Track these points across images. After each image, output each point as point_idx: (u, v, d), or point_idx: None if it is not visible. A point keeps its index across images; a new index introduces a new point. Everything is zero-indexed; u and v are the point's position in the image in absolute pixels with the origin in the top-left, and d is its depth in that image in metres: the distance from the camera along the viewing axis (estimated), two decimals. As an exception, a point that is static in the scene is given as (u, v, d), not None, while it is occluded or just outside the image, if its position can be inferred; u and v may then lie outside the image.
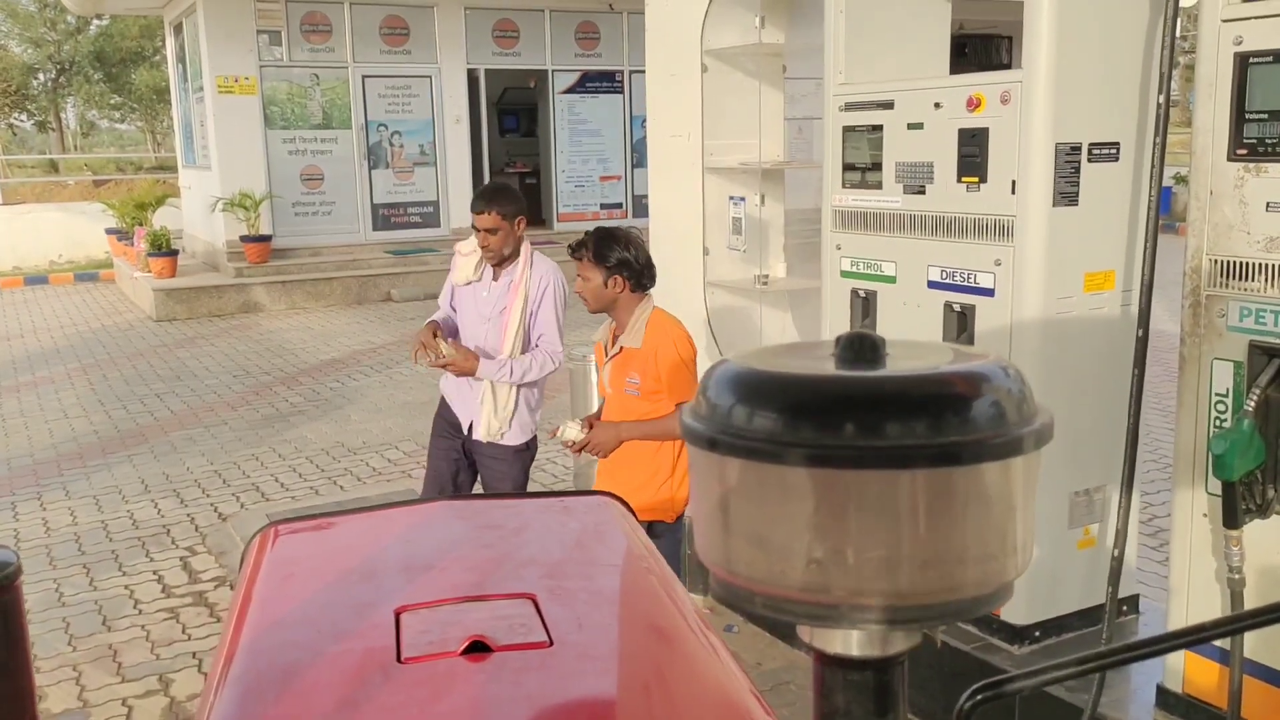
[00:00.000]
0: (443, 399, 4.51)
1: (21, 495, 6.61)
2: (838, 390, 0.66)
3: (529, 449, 4.41)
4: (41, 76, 34.92)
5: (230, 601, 1.55)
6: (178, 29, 16.35)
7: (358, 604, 1.44)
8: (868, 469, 0.64)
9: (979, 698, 0.72)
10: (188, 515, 6.17)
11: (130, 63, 34.16)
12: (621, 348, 3.70)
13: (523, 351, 4.26)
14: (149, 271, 13.85)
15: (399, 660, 1.26)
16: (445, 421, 4.47)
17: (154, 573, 5.35)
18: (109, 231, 16.90)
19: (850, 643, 0.69)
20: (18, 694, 0.91)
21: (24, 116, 36.63)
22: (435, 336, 4.16)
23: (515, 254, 4.26)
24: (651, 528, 3.59)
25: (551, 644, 1.30)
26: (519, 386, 4.27)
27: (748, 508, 0.67)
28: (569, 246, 3.84)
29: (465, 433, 4.36)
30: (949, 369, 0.68)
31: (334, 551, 1.69)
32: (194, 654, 4.48)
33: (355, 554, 1.63)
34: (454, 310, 4.45)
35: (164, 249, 13.84)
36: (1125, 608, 3.77)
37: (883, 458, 0.63)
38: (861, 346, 0.69)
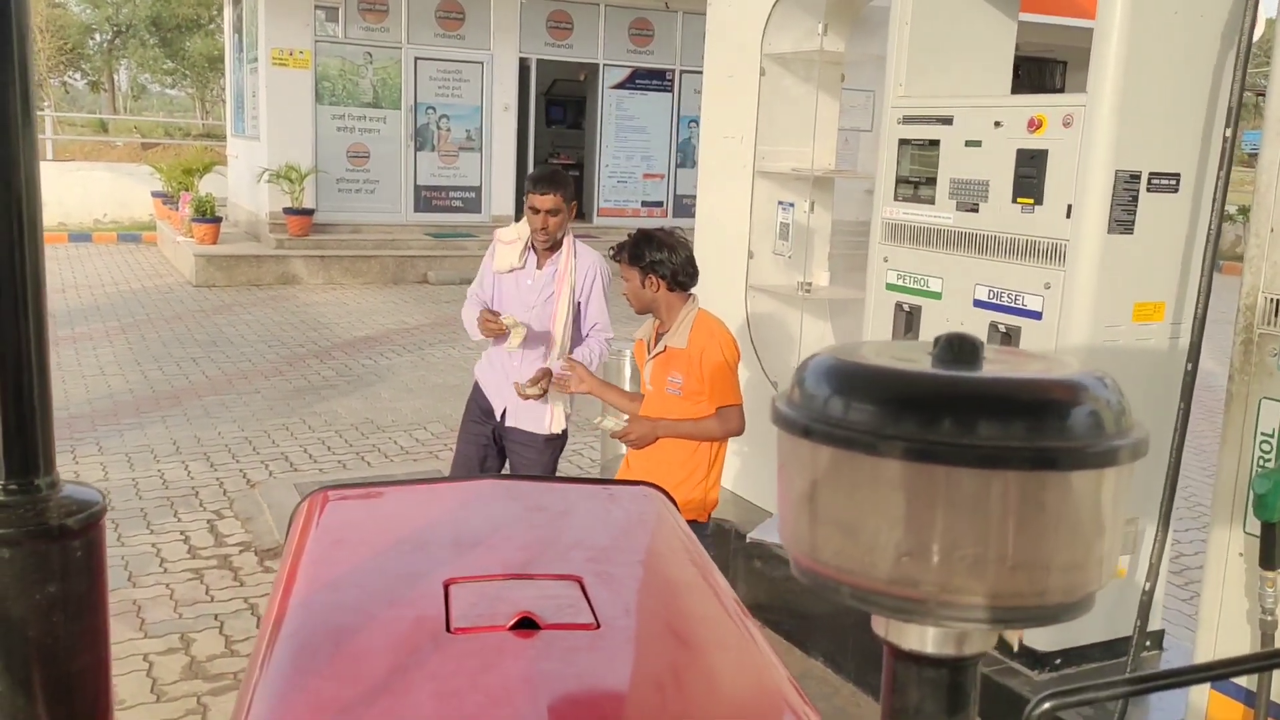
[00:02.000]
0: (476, 384, 4.52)
1: (56, 448, 6.69)
2: (939, 387, 0.67)
3: (561, 439, 4.41)
4: (98, 37, 35.36)
5: (280, 562, 1.58)
6: (237, 0, 16.51)
7: (407, 573, 1.46)
8: (963, 467, 0.64)
9: (1047, 705, 0.73)
10: (217, 479, 6.24)
11: (185, 29, 34.52)
12: (666, 347, 3.71)
13: (570, 339, 4.26)
14: (191, 237, 14.00)
15: (448, 630, 1.28)
16: (478, 407, 4.47)
17: (181, 533, 5.41)
18: (155, 194, 17.09)
19: (926, 639, 0.70)
20: (95, 632, 0.93)
21: (78, 75, 37.08)
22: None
23: (560, 242, 4.26)
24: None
25: (599, 626, 1.31)
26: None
27: (838, 498, 0.68)
28: (610, 249, 3.90)
29: (498, 419, 4.36)
30: (1049, 375, 0.69)
31: (383, 520, 1.71)
32: (216, 615, 4.54)
33: (404, 524, 1.65)
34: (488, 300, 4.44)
35: (208, 215, 13.98)
36: (1149, 643, 3.74)
37: (979, 457, 0.64)
38: (961, 348, 0.70)
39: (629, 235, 3.80)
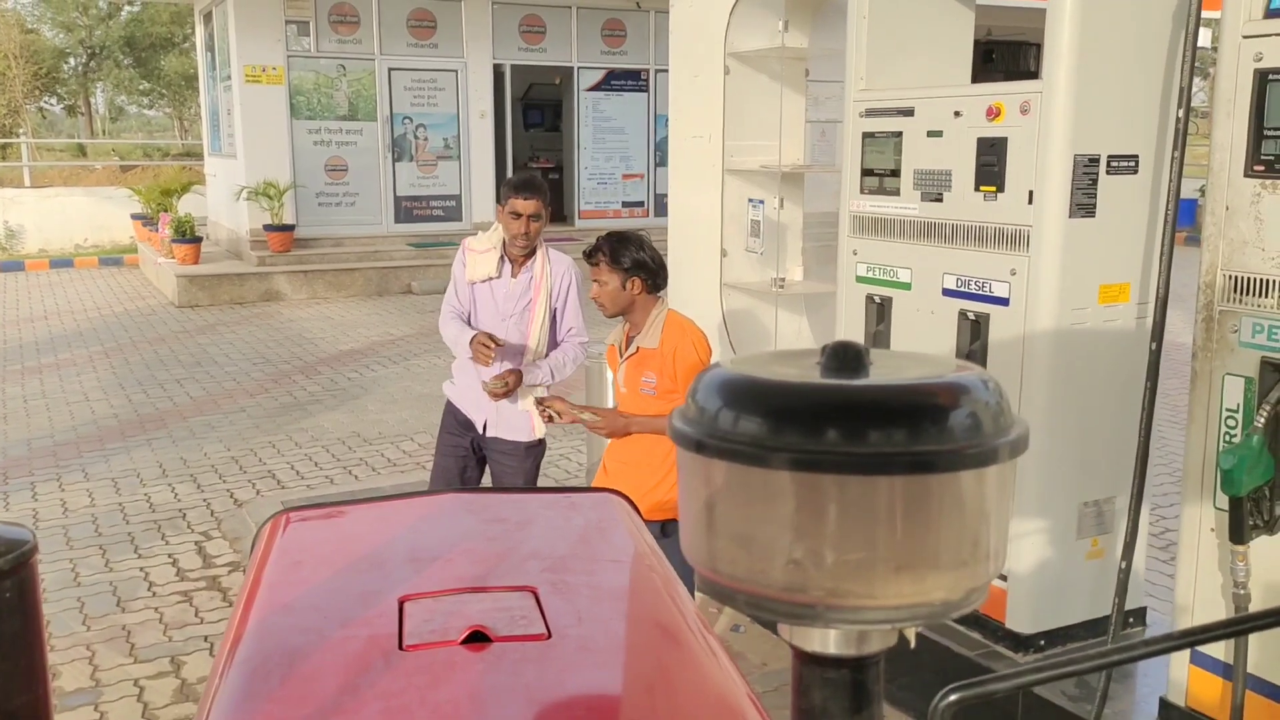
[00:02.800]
0: (449, 400, 4.45)
1: (41, 476, 6.69)
2: (820, 398, 0.69)
3: (541, 446, 4.40)
4: (72, 61, 35.22)
5: (240, 586, 1.59)
6: (207, 17, 16.48)
7: (363, 592, 1.47)
8: (848, 474, 0.66)
9: (952, 698, 0.75)
10: (204, 500, 6.24)
11: (160, 49, 34.42)
12: (638, 348, 3.73)
13: (546, 346, 4.24)
14: (173, 257, 13.98)
15: (400, 648, 1.30)
16: (454, 419, 4.42)
17: (169, 556, 5.42)
18: (134, 217, 17.06)
19: (828, 641, 0.72)
20: (31, 671, 0.94)
21: (54, 100, 36.95)
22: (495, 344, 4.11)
23: (535, 249, 4.23)
24: (665, 527, 3.62)
25: (550, 636, 1.33)
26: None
27: (732, 509, 0.70)
28: (584, 252, 3.85)
29: (480, 431, 4.33)
30: (927, 380, 0.70)
31: (343, 540, 1.72)
32: (206, 637, 4.54)
33: (363, 543, 1.66)
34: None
35: (188, 236, 13.96)
36: (1132, 620, 3.77)
37: (862, 464, 0.66)
38: (845, 356, 0.71)
39: (599, 239, 3.79)
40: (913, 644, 0.68)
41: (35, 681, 0.94)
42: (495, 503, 1.86)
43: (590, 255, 3.74)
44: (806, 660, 0.73)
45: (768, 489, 0.68)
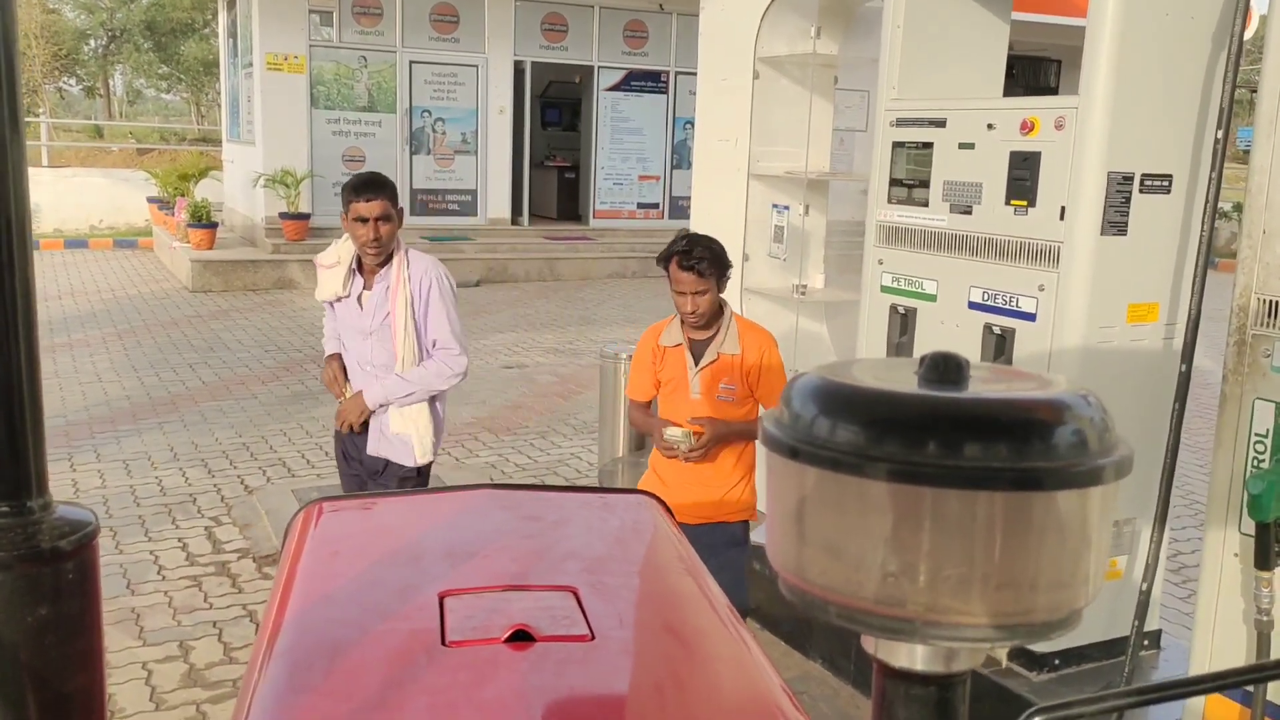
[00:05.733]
0: (335, 432, 4.14)
1: (53, 456, 6.68)
2: (924, 409, 0.67)
3: (427, 470, 4.01)
4: (93, 43, 35.31)
5: (275, 574, 1.58)
6: (231, 3, 16.51)
7: (402, 585, 1.46)
8: (948, 488, 0.65)
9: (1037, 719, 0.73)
10: (214, 485, 6.24)
11: (180, 34, 34.49)
12: (719, 355, 3.51)
13: (419, 359, 3.82)
14: (188, 242, 14.00)
15: (443, 643, 1.29)
16: (341, 453, 4.14)
17: (179, 540, 5.41)
18: (150, 200, 17.09)
19: (915, 657, 0.71)
20: (88, 653, 0.94)
21: (73, 81, 37.05)
22: (343, 377, 3.90)
23: (390, 254, 3.78)
24: (733, 527, 3.59)
25: (593, 638, 1.32)
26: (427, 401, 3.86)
27: (825, 518, 0.69)
28: (664, 256, 3.44)
29: (362, 453, 3.99)
30: (1033, 395, 0.69)
31: (378, 532, 1.71)
32: (214, 623, 4.54)
33: (398, 536, 1.65)
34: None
35: (204, 221, 13.98)
36: (1148, 643, 3.75)
37: (964, 478, 0.65)
38: (946, 367, 0.70)
39: (690, 241, 3.42)
40: (1004, 664, 0.67)
41: (92, 663, 0.93)
42: (529, 500, 1.85)
43: (689, 264, 3.34)
44: (892, 675, 0.71)
45: (865, 499, 0.66)
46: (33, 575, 0.89)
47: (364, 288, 3.85)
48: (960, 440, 0.65)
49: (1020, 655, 3.56)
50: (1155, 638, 3.84)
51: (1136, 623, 3.19)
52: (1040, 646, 3.52)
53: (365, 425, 3.93)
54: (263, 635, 1.38)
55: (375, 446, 3.93)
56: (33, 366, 0.93)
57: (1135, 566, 3.50)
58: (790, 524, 0.71)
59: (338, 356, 4.01)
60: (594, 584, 1.46)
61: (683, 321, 3.55)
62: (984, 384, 0.71)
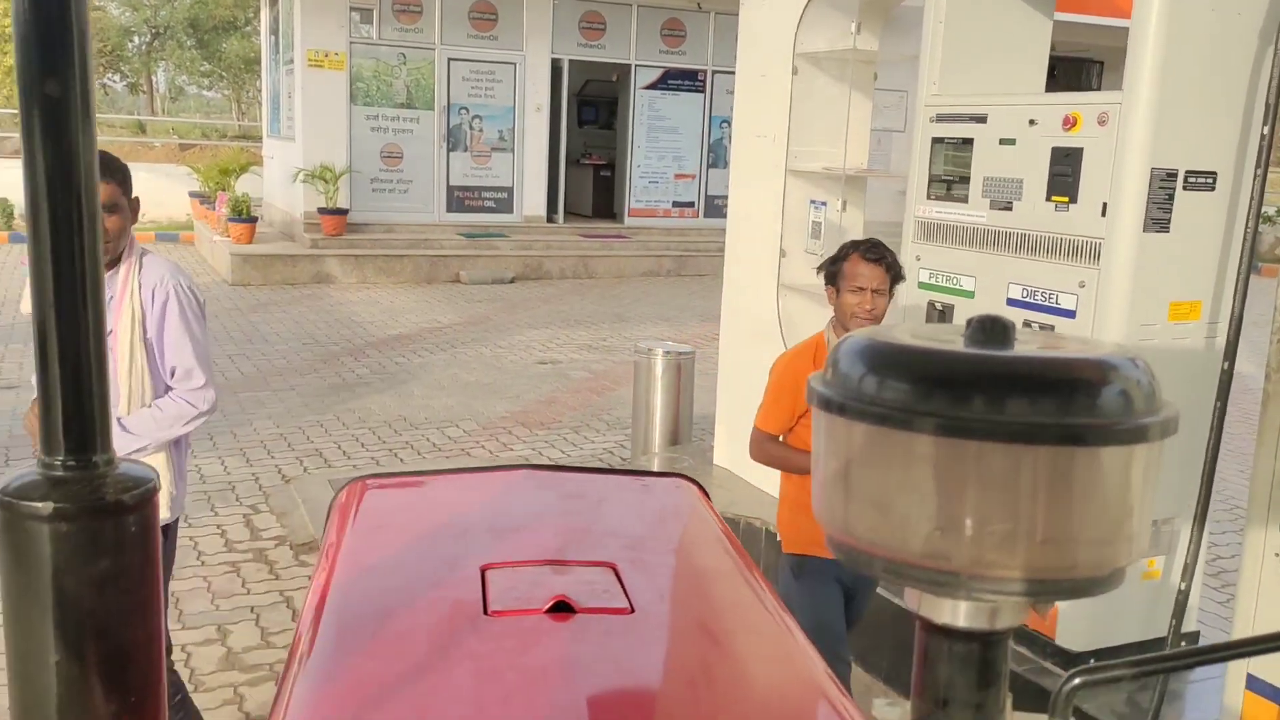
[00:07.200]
0: None
1: (95, 442, 6.80)
2: (972, 365, 0.68)
3: (172, 528, 3.08)
4: (137, 39, 35.79)
5: (320, 547, 1.62)
6: (273, 1, 16.69)
7: (445, 558, 1.49)
8: (994, 442, 0.66)
9: (1077, 681, 0.74)
10: (252, 474, 6.32)
11: (222, 31, 34.88)
12: None
13: (152, 391, 2.92)
14: (228, 236, 14.17)
15: (486, 613, 1.31)
16: None
17: (218, 526, 5.49)
18: (192, 195, 17.31)
19: (958, 613, 0.72)
20: (148, 605, 0.97)
21: (117, 77, 37.54)
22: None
23: (120, 257, 2.88)
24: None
25: (633, 611, 1.33)
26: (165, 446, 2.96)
27: (872, 473, 0.70)
28: (821, 265, 3.23)
29: None
30: (1080, 355, 0.70)
31: (421, 507, 1.74)
32: (252, 608, 4.60)
33: (441, 512, 1.68)
34: None
35: (244, 215, 14.14)
36: (1184, 644, 3.71)
37: (1009, 433, 0.66)
38: (993, 328, 0.71)
39: (875, 248, 3.16)
40: (1045, 618, 0.68)
41: (151, 616, 0.96)
42: (569, 480, 1.88)
43: (877, 255, 3.13)
44: (934, 632, 0.72)
45: (911, 455, 0.68)
46: (96, 528, 0.93)
47: None
48: (1006, 395, 0.66)
49: (1055, 654, 3.54)
50: (1193, 639, 3.80)
51: (1174, 622, 3.16)
52: (1076, 645, 3.50)
53: None
54: (310, 602, 1.41)
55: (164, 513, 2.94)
56: (99, 334, 0.96)
57: (1174, 567, 3.47)
58: (837, 481, 0.72)
59: None
60: (634, 560, 1.48)
61: (845, 330, 3.20)
62: (1029, 345, 0.72)
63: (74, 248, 0.95)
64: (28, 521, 0.91)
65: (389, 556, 1.51)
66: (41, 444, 0.95)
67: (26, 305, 2.62)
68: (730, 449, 5.40)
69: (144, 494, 0.94)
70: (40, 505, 0.91)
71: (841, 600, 3.24)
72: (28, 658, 0.92)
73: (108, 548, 0.92)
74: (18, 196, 17.18)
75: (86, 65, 0.95)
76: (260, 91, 21.58)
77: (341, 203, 14.30)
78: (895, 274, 3.17)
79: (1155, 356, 3.21)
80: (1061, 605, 3.51)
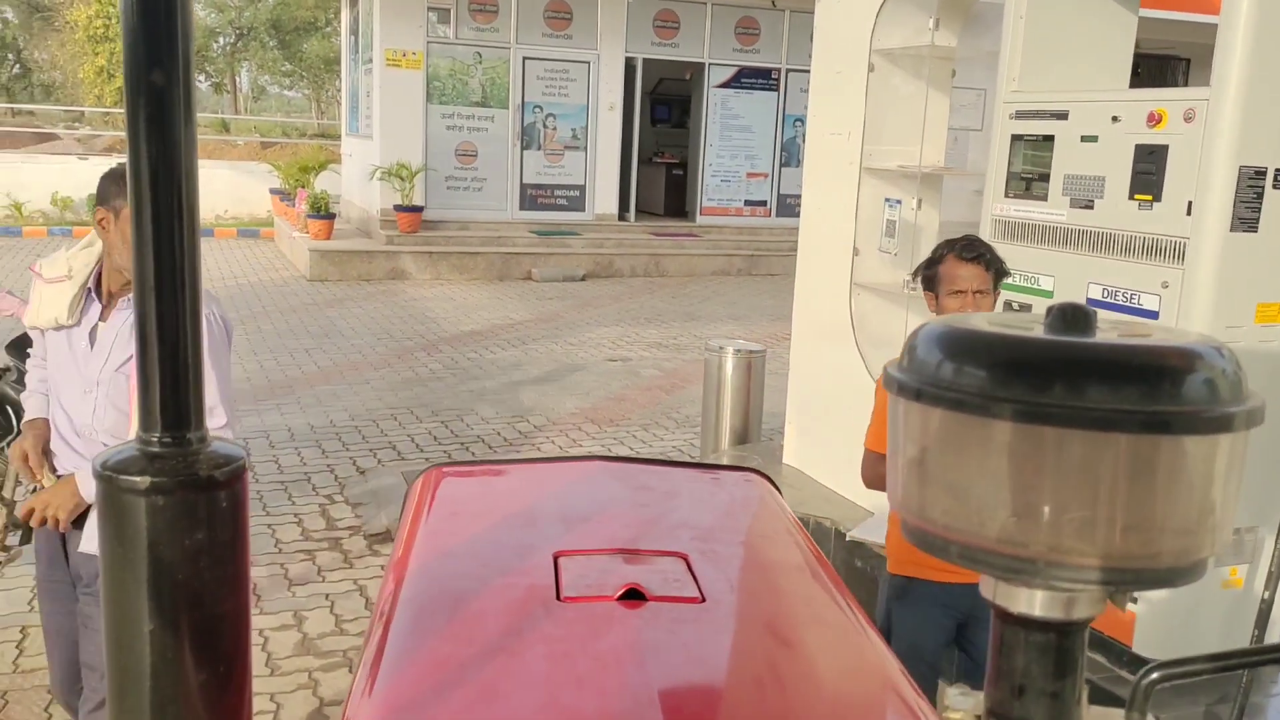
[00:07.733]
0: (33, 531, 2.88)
1: (179, 431, 7.00)
2: (1051, 352, 0.68)
3: None
4: (221, 40, 36.71)
5: (398, 532, 1.66)
6: (353, 2, 17.00)
7: (519, 545, 1.51)
8: (1074, 429, 0.66)
9: (1155, 675, 0.73)
10: (328, 465, 6.45)
11: (303, 32, 35.64)
12: None
13: None
14: (307, 232, 14.47)
15: (559, 599, 1.33)
16: (45, 557, 2.88)
17: (295, 515, 5.62)
18: (273, 192, 17.71)
19: (1034, 602, 0.71)
20: (237, 578, 1.00)
21: (202, 77, 38.56)
22: (44, 455, 2.72)
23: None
24: None
25: (704, 600, 1.35)
26: None
27: (948, 459, 0.70)
28: (917, 270, 3.11)
29: (75, 548, 2.78)
30: (1165, 343, 0.69)
31: (495, 495, 1.77)
32: (327, 595, 4.70)
33: (515, 500, 1.71)
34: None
35: (323, 212, 14.43)
36: (1267, 655, 3.62)
37: (1091, 420, 0.65)
38: (1075, 316, 0.71)
39: (976, 245, 2.98)
40: (1124, 611, 0.67)
41: (240, 589, 1.00)
42: (641, 472, 1.90)
43: (974, 254, 2.94)
44: (1011, 621, 0.72)
45: (989, 441, 0.68)
46: (190, 501, 0.96)
47: (100, 318, 2.72)
48: (1087, 382, 0.66)
49: (1130, 663, 3.46)
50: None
51: (1256, 632, 3.08)
52: (1152, 654, 3.42)
53: (79, 520, 2.71)
54: (386, 585, 1.44)
55: (91, 544, 2.66)
56: (195, 318, 1.00)
57: (1257, 576, 3.38)
58: (913, 467, 0.72)
59: (43, 423, 2.79)
60: (704, 551, 1.49)
61: None
62: (1112, 334, 0.71)
63: (175, 233, 1.00)
64: (125, 495, 0.96)
65: (464, 542, 1.54)
66: (140, 421, 1.00)
67: (32, 317, 2.55)
68: (800, 448, 5.38)
69: (234, 470, 0.98)
70: (138, 479, 0.95)
71: (943, 627, 3.04)
72: (124, 625, 0.97)
73: (200, 521, 0.96)
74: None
75: (189, 58, 0.99)
76: (339, 91, 21.99)
77: (417, 200, 14.52)
78: (998, 270, 2.98)
79: (1241, 360, 3.14)
80: (1140, 611, 3.43)
